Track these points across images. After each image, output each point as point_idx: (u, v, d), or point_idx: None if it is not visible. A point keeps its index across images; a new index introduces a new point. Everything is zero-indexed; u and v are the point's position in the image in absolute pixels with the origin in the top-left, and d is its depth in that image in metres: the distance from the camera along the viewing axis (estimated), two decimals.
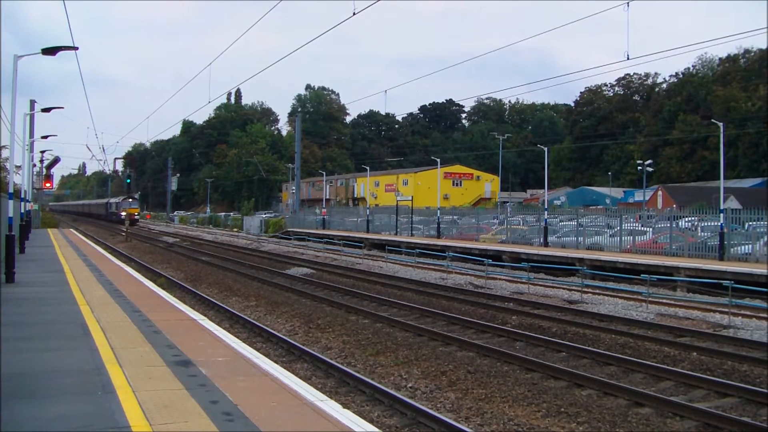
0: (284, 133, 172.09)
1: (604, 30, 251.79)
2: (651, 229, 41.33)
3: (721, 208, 36.30)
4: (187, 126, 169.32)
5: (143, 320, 15.03)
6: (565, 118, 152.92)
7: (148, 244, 60.74)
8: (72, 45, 27.41)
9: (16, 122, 27.70)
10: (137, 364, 10.76)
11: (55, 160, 76.78)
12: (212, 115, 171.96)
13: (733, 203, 49.19)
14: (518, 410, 12.22)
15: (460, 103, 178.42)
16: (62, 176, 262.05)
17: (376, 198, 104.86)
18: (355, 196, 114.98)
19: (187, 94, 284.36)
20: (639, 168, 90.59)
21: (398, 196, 77.98)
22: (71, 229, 75.10)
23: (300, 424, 8.12)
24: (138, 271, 30.46)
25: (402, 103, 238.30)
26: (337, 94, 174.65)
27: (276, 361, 13.14)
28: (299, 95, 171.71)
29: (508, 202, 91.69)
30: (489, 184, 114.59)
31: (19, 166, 43.93)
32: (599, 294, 27.33)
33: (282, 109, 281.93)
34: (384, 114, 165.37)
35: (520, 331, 19.25)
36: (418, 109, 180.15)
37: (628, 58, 38.37)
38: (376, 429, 8.38)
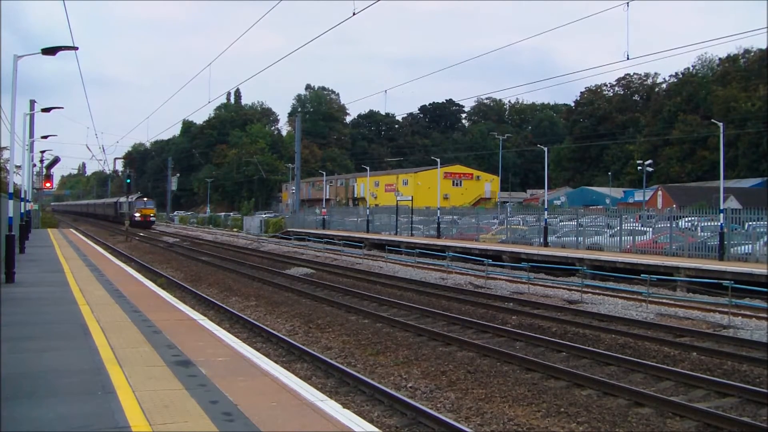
0: (284, 133, 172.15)
1: (604, 30, 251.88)
2: (651, 229, 41.32)
3: (721, 208, 36.31)
4: (187, 126, 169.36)
5: (143, 320, 15.03)
6: (565, 118, 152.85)
7: (148, 244, 60.76)
8: (72, 45, 27.41)
9: (16, 122, 27.68)
10: (137, 364, 10.76)
11: (55, 160, 76.55)
12: (212, 115, 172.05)
13: (733, 203, 49.19)
14: (518, 410, 12.22)
15: (460, 103, 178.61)
16: (62, 176, 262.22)
17: (376, 198, 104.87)
18: (355, 196, 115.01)
19: (187, 94, 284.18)
20: (639, 168, 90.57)
21: (398, 196, 77.95)
22: (71, 229, 75.08)
23: (300, 424, 8.12)
24: (138, 271, 30.45)
25: (402, 103, 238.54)
26: (337, 94, 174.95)
27: (276, 361, 13.15)
28: (299, 95, 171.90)
29: (508, 202, 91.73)
30: (489, 184, 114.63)
31: (19, 166, 43.92)
32: (599, 294, 27.33)
33: (282, 109, 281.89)
34: (384, 114, 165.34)
35: (520, 331, 19.25)
36: (418, 109, 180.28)
37: (628, 58, 38.46)
38: (376, 429, 8.38)
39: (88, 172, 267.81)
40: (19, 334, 13.23)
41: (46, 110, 43.93)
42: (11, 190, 28.29)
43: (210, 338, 13.32)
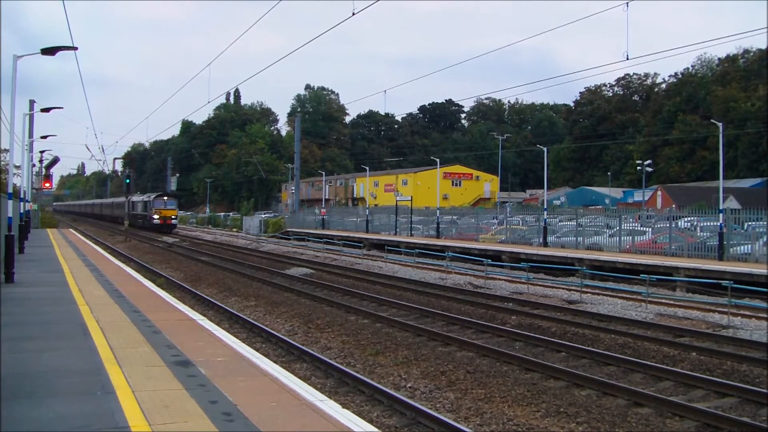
0: (284, 133, 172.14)
1: (604, 30, 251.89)
2: (650, 229, 41.33)
3: (721, 208, 36.32)
4: (187, 126, 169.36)
5: (143, 320, 15.03)
6: (564, 118, 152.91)
7: (148, 244, 60.71)
8: (71, 45, 27.41)
9: (15, 122, 27.68)
10: (137, 364, 10.76)
11: (55, 160, 76.14)
12: (211, 115, 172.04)
13: (732, 203, 49.20)
14: (518, 410, 12.23)
15: (460, 103, 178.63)
16: (61, 176, 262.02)
17: (375, 198, 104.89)
18: (355, 196, 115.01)
19: (187, 94, 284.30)
20: (638, 168, 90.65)
21: (398, 196, 77.98)
22: (70, 230, 75.05)
23: (299, 424, 8.12)
24: (137, 271, 30.45)
25: (402, 103, 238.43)
26: (337, 94, 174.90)
27: (275, 361, 13.16)
28: (299, 95, 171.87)
29: (507, 202, 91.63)
30: (488, 184, 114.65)
31: (19, 167, 43.91)
32: (598, 294, 27.34)
33: (281, 109, 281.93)
34: (383, 114, 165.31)
35: (519, 331, 19.26)
36: (418, 109, 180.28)
37: (627, 58, 38.41)
38: (376, 429, 8.38)
39: (88, 172, 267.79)
40: (19, 334, 13.23)
41: (46, 110, 43.93)
42: (10, 191, 28.29)
43: (209, 338, 13.33)
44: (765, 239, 33.40)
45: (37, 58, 31.42)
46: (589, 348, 17.06)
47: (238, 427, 7.84)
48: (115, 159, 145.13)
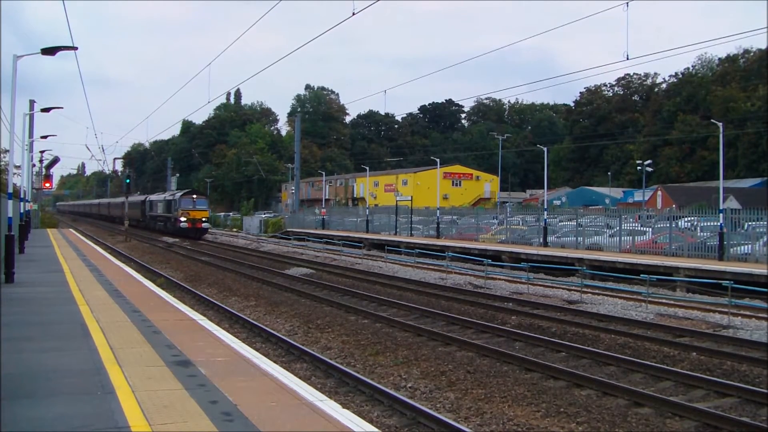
0: (284, 133, 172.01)
1: (604, 30, 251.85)
2: (650, 229, 41.33)
3: (721, 208, 36.32)
4: (187, 126, 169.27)
5: (143, 320, 15.03)
6: (564, 118, 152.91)
7: (148, 244, 60.74)
8: (71, 45, 27.40)
9: (15, 122, 27.68)
10: (137, 364, 10.76)
11: (55, 160, 75.88)
12: (211, 115, 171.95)
13: (732, 203, 49.23)
14: (518, 410, 12.23)
15: (460, 103, 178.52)
16: (61, 176, 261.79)
17: (375, 198, 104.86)
18: (355, 196, 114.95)
19: (187, 94, 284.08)
20: (638, 168, 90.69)
21: (398, 196, 78.07)
22: (70, 230, 75.06)
23: (299, 424, 8.12)
24: (137, 271, 30.47)
25: (402, 103, 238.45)
26: (337, 94, 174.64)
27: (275, 361, 13.14)
28: (299, 95, 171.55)
29: (507, 202, 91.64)
30: (488, 184, 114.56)
31: (19, 166, 43.91)
32: (599, 294, 27.35)
33: (281, 109, 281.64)
34: (383, 114, 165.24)
35: (519, 331, 19.27)
36: (418, 109, 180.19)
37: (627, 58, 38.31)
38: (376, 429, 8.39)
39: (88, 172, 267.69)
40: (19, 334, 13.23)
41: (46, 110, 43.95)
42: (11, 190, 28.29)
43: (209, 338, 13.33)
44: (765, 239, 33.39)
45: (38, 58, 31.50)
46: (589, 348, 17.06)
47: (238, 427, 7.85)
48: (115, 159, 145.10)
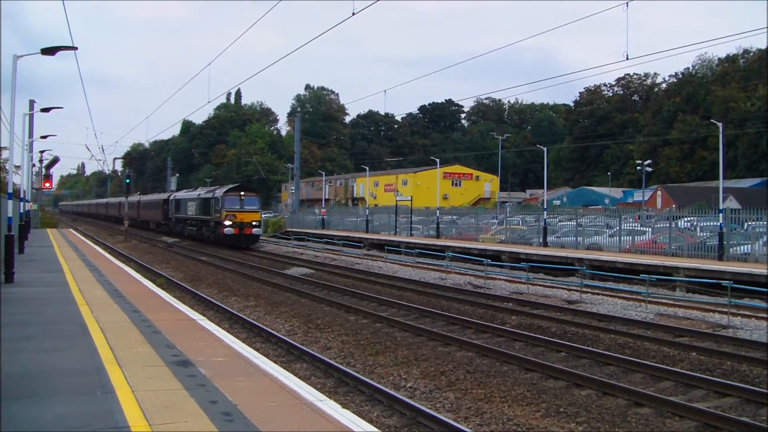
0: (284, 133, 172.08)
1: (604, 30, 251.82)
2: (650, 229, 41.32)
3: (721, 207, 36.32)
4: (187, 126, 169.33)
5: (142, 320, 15.04)
6: (564, 118, 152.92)
7: (148, 244, 60.72)
8: (71, 45, 27.40)
9: (15, 122, 27.67)
10: (136, 364, 10.77)
11: (55, 160, 75.69)
12: (212, 114, 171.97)
13: (732, 203, 49.22)
14: (517, 410, 12.23)
15: (460, 103, 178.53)
16: (61, 176, 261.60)
17: (375, 198, 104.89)
18: (355, 196, 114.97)
19: (187, 94, 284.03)
20: (638, 168, 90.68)
21: (397, 196, 78.00)
22: (70, 230, 75.06)
23: (299, 423, 8.14)
24: (137, 271, 30.46)
25: (402, 103, 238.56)
26: (337, 94, 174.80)
27: (275, 361, 13.14)
28: (299, 95, 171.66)
29: (507, 202, 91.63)
30: (488, 184, 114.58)
31: (19, 166, 43.89)
32: (598, 294, 27.35)
33: (281, 109, 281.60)
34: (383, 114, 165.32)
35: (519, 331, 19.27)
36: (418, 109, 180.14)
37: (627, 58, 38.31)
38: (376, 429, 8.39)
39: (88, 172, 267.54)
40: (19, 334, 13.23)
41: (46, 110, 43.96)
42: (10, 190, 28.30)
43: (209, 338, 13.34)
44: (765, 239, 33.39)
45: (39, 58, 31.44)
46: (589, 348, 17.07)
47: (238, 427, 7.86)
48: (115, 159, 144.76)
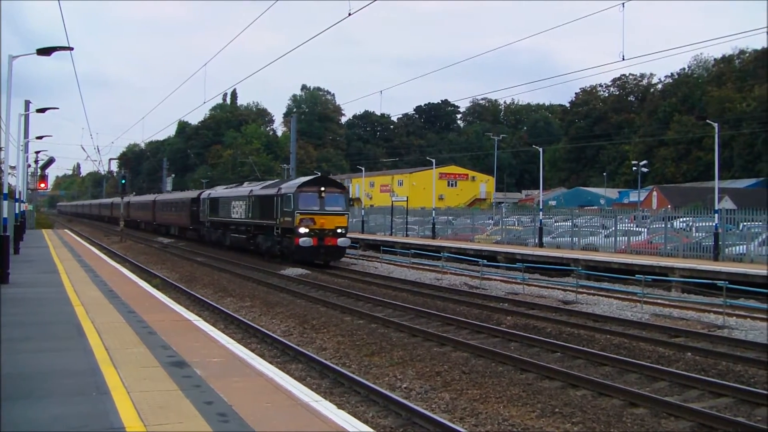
0: (279, 133, 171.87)
1: (600, 30, 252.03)
2: (646, 229, 41.38)
3: (716, 208, 36.39)
4: (182, 126, 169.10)
5: (138, 321, 15.04)
6: (560, 119, 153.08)
7: (143, 244, 60.64)
8: (67, 45, 27.39)
9: (10, 123, 27.67)
10: (132, 365, 10.78)
11: (50, 161, 75.35)
12: (207, 115, 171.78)
13: (728, 203, 49.25)
14: (513, 410, 12.23)
15: (456, 103, 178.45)
16: (57, 177, 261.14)
17: (371, 198, 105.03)
18: (351, 196, 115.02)
19: (183, 95, 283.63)
20: (634, 168, 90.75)
21: (393, 196, 78.10)
22: (66, 230, 75.01)
23: (294, 424, 8.15)
24: (132, 271, 30.44)
25: (398, 103, 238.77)
26: (333, 95, 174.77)
27: (271, 362, 13.13)
28: (294, 96, 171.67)
29: (503, 202, 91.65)
30: (484, 185, 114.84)
31: (14, 167, 43.87)
32: (594, 294, 27.38)
33: (277, 110, 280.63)
34: (379, 114, 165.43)
35: (515, 332, 19.28)
36: (414, 110, 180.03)
37: (623, 59, 38.31)
38: (371, 429, 8.41)
39: (83, 172, 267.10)
40: (15, 335, 13.22)
41: (41, 111, 43.95)
42: (6, 191, 28.29)
43: (205, 339, 13.34)
44: (761, 239, 33.46)
45: (35, 59, 31.44)
46: (584, 348, 17.08)
47: (233, 428, 7.86)
48: (110, 159, 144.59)
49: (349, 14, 28.53)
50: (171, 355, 11.58)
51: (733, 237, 35.59)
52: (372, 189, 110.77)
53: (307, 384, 12.15)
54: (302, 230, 37.53)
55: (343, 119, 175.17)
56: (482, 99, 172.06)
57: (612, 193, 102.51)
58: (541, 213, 47.08)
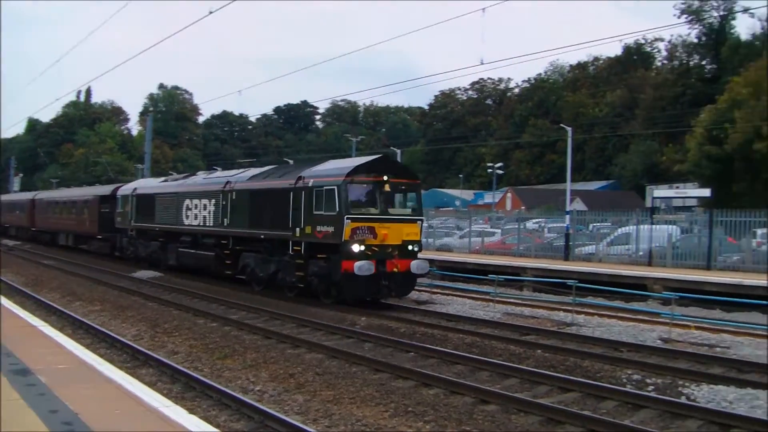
0: (135, 132, 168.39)
1: (463, 34, 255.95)
2: (500, 230, 42.26)
3: (567, 209, 37.45)
4: (33, 124, 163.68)
5: None
6: (419, 121, 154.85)
7: None
8: None
9: None
10: None
11: None
12: (60, 113, 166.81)
13: (579, 205, 50.78)
14: (366, 411, 12.27)
15: (315, 104, 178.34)
16: None
17: None
18: None
19: (35, 91, 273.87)
20: (489, 170, 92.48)
21: None
22: None
23: (144, 431, 7.96)
24: None
25: (257, 104, 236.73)
26: (191, 94, 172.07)
27: (120, 368, 12.79)
28: (151, 94, 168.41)
29: None
30: None
31: None
32: (448, 294, 27.77)
33: (133, 109, 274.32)
34: (237, 114, 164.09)
35: (369, 332, 19.38)
36: (273, 110, 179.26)
37: (482, 63, 38.96)
38: None
39: None
40: None
41: None
42: None
43: (51, 345, 12.93)
44: (609, 239, 34.57)
45: None
46: (437, 348, 17.27)
47: None
48: None
49: (210, 12, 28.21)
50: (13, 363, 11.13)
51: (583, 237, 36.71)
52: None
53: (157, 389, 11.90)
54: (355, 248, 22.85)
55: (201, 119, 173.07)
56: (342, 100, 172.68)
57: (468, 194, 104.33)
58: None
